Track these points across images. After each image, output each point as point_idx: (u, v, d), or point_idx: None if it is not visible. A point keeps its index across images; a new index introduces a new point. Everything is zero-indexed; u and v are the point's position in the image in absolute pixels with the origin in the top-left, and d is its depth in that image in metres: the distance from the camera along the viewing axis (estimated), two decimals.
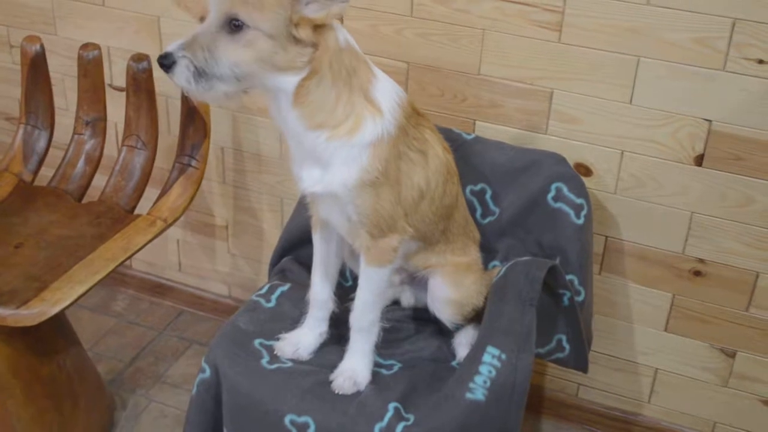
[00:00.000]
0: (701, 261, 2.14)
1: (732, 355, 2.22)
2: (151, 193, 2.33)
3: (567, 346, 1.91)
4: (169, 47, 1.47)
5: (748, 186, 2.02)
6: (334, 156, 1.58)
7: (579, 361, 1.94)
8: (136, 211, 2.26)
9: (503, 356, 1.64)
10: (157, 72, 2.23)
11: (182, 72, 1.46)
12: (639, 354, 2.31)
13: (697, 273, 2.15)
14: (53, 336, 2.14)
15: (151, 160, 2.29)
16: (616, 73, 2.02)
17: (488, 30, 2.09)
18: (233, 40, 1.47)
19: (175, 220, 2.18)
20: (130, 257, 2.07)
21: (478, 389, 1.62)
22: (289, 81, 1.52)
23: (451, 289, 1.82)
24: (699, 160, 2.03)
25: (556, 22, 2.02)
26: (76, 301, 1.93)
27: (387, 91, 1.63)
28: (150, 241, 2.12)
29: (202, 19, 2.24)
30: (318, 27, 1.50)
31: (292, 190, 2.50)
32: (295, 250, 2.11)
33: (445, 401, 1.64)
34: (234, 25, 1.46)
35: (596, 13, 1.98)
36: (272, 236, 2.61)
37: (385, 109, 1.60)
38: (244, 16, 1.45)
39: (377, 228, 1.65)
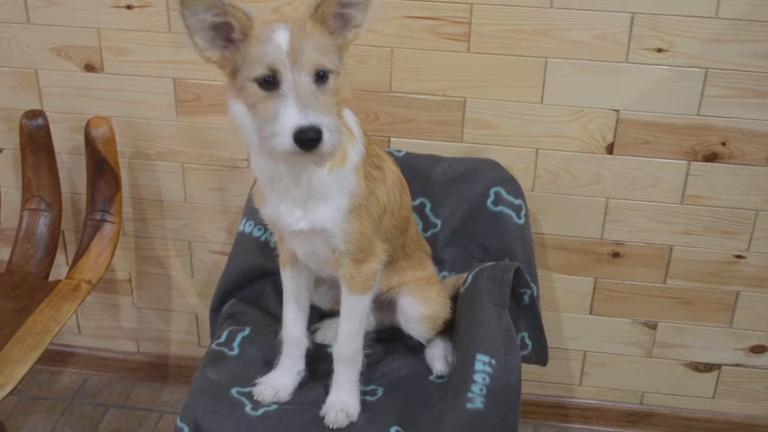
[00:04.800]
0: (619, 243, 2.26)
1: (654, 327, 2.36)
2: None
3: (529, 343, 1.97)
4: (302, 119, 1.37)
5: (656, 167, 2.16)
6: (331, 187, 1.57)
7: (540, 355, 2.00)
8: (51, 277, 2.11)
9: (493, 361, 1.67)
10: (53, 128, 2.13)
11: (332, 138, 1.39)
12: (567, 340, 2.41)
13: (616, 255, 2.28)
14: None
15: (58, 221, 2.16)
16: (525, 75, 2.10)
17: (396, 47, 2.12)
18: (325, 90, 1.44)
19: (98, 281, 2.06)
20: (62, 327, 1.94)
21: (476, 398, 1.63)
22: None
23: (421, 305, 1.83)
24: (610, 149, 2.15)
25: (464, 33, 2.08)
26: (20, 382, 1.79)
27: (348, 113, 1.63)
28: (78, 305, 1.99)
29: (87, 67, 2.17)
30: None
31: (201, 233, 2.43)
32: (237, 291, 2.05)
33: (447, 415, 1.64)
34: (320, 76, 1.43)
35: (502, 21, 2.05)
36: (181, 282, 2.51)
37: (355, 131, 1.61)
38: (329, 64, 1.44)
39: (362, 252, 1.64)
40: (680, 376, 2.42)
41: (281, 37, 1.42)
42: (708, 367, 2.40)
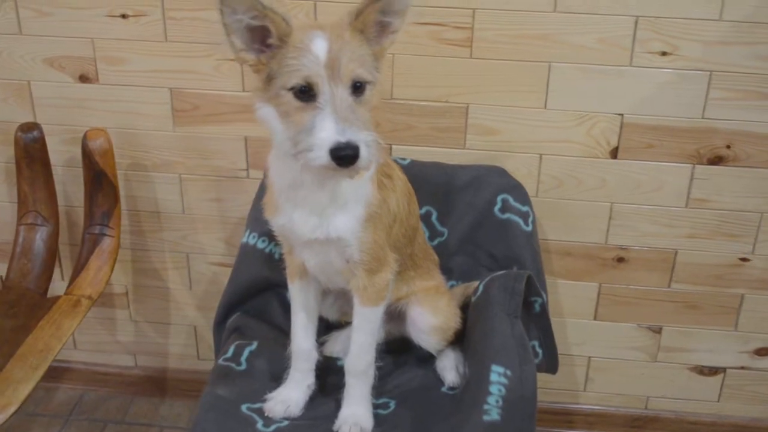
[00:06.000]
0: (623, 248, 2.24)
1: (658, 331, 2.34)
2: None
3: (540, 351, 1.95)
4: (339, 135, 1.34)
5: (660, 170, 2.14)
6: (349, 196, 1.54)
7: (550, 364, 1.98)
8: (50, 292, 2.07)
9: (508, 372, 1.64)
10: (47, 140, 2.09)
11: (369, 154, 1.36)
12: (572, 346, 2.40)
13: (621, 260, 2.26)
14: None
15: (55, 235, 2.11)
16: (529, 80, 2.08)
17: (398, 54, 2.09)
18: (362, 101, 1.41)
19: (99, 296, 2.02)
20: (64, 344, 1.89)
21: (492, 410, 1.60)
22: None
23: (432, 316, 1.81)
24: (614, 153, 2.14)
25: (466, 38, 2.05)
26: (23, 403, 1.75)
27: None
28: (80, 322, 1.95)
29: (82, 77, 2.13)
30: None
31: (199, 244, 2.39)
32: (242, 304, 2.01)
33: (463, 427, 1.61)
34: (357, 87, 1.41)
35: (505, 26, 2.03)
36: (179, 295, 2.47)
37: None
38: (367, 75, 1.42)
39: (376, 262, 1.61)
40: (685, 380, 2.41)
41: (319, 47, 1.39)
42: (713, 371, 2.38)
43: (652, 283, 2.28)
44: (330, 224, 1.55)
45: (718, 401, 2.42)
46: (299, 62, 1.39)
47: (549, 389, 2.46)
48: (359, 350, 1.68)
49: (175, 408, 2.57)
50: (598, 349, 2.39)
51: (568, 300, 2.33)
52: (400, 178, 1.73)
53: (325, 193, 1.53)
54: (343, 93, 1.38)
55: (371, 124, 1.42)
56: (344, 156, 1.34)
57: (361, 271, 1.62)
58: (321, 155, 1.35)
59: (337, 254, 1.61)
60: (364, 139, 1.35)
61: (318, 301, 1.79)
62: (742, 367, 2.37)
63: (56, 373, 2.63)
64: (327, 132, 1.35)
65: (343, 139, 1.34)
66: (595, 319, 2.35)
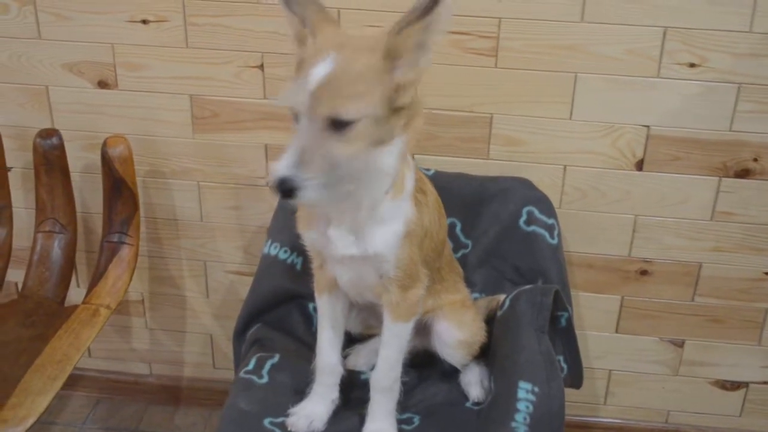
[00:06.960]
0: (647, 261, 2.22)
1: (681, 345, 2.32)
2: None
3: (565, 366, 1.92)
4: (281, 170, 1.29)
5: (686, 183, 2.12)
6: (387, 214, 1.51)
7: (575, 379, 1.95)
8: (67, 301, 2.05)
9: (536, 389, 1.62)
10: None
11: (311, 194, 1.31)
12: (593, 359, 2.37)
13: (644, 272, 2.23)
14: None
15: (73, 243, 2.09)
16: (554, 91, 2.06)
17: None
18: (342, 138, 1.33)
19: (117, 305, 1.99)
20: (83, 354, 1.87)
21: (520, 427, 1.58)
22: (391, 151, 1.43)
23: (458, 330, 1.78)
24: (639, 165, 2.11)
25: (492, 47, 2.03)
26: (42, 414, 1.72)
27: None
28: (99, 332, 1.93)
29: (101, 83, 2.10)
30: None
31: (217, 252, 2.36)
32: (263, 315, 1.98)
33: None
34: (338, 124, 1.32)
35: (531, 35, 2.01)
36: (196, 303, 2.45)
37: (408, 157, 1.55)
38: (350, 113, 1.32)
39: (410, 278, 1.58)
40: (707, 394, 2.38)
41: (316, 74, 1.32)
42: (735, 386, 2.36)
43: (676, 297, 2.25)
44: (367, 240, 1.52)
45: (740, 416, 2.40)
46: (295, 85, 1.34)
47: (569, 402, 2.37)
48: (386, 366, 1.65)
49: (189, 417, 2.55)
50: (619, 363, 2.37)
51: (590, 312, 2.30)
52: (432, 193, 1.70)
53: (362, 210, 1.50)
54: (315, 128, 1.32)
55: (347, 162, 1.34)
56: (282, 191, 1.30)
57: (395, 287, 1.59)
58: (270, 181, 1.32)
59: (371, 270, 1.58)
60: (309, 180, 1.30)
61: (345, 316, 1.76)
62: (766, 382, 2.34)
63: (71, 381, 2.56)
64: (279, 163, 1.31)
65: (286, 174, 1.30)
66: (616, 332, 2.32)
